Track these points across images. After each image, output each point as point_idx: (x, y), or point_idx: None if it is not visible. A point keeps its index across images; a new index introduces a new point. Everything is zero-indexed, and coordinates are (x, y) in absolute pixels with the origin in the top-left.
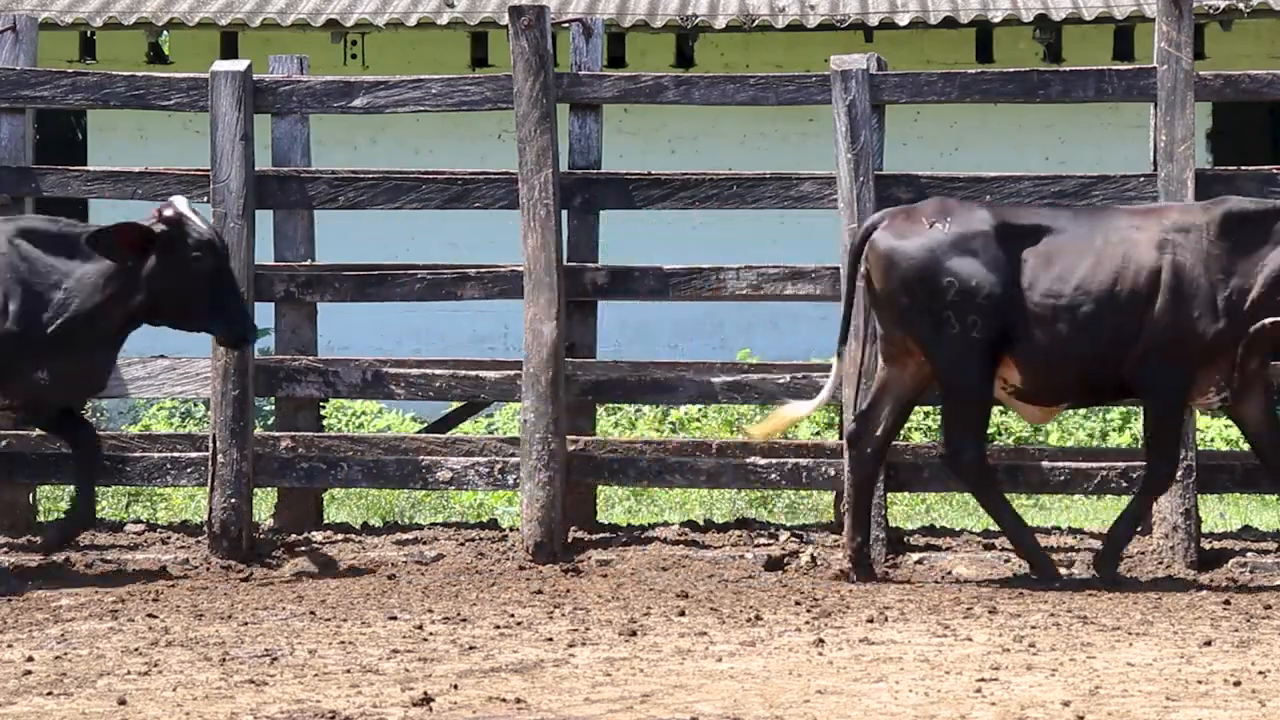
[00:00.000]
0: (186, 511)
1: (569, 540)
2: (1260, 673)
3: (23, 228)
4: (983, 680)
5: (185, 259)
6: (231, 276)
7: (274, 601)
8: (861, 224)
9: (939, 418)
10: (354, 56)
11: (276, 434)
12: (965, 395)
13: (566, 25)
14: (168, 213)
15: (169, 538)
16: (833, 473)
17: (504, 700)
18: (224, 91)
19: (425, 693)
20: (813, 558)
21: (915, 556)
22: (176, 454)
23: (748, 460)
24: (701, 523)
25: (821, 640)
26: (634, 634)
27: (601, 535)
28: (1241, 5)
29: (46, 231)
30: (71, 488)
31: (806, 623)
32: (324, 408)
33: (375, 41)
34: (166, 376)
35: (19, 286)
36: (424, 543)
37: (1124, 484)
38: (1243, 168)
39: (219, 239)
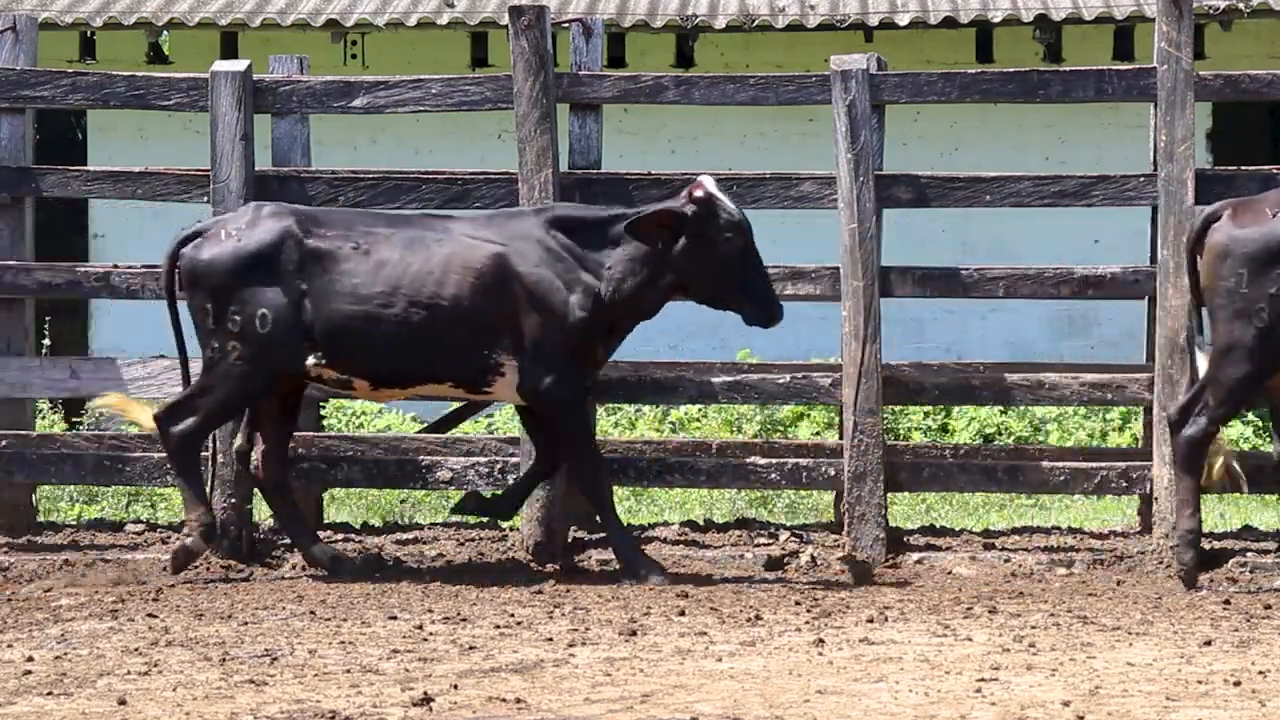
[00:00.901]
0: None
1: (569, 540)
2: (1260, 673)
3: (555, 218)
4: (983, 680)
5: (715, 240)
6: (758, 256)
7: (274, 601)
8: (1196, 221)
9: (940, 417)
10: (354, 56)
11: None
12: (1233, 384)
13: (566, 25)
14: (698, 194)
15: (169, 538)
16: (833, 473)
17: (504, 700)
18: (224, 91)
19: (425, 693)
20: (813, 558)
21: (915, 556)
22: None
23: (748, 460)
24: (701, 523)
25: (821, 640)
26: (634, 634)
27: (601, 535)
28: (1241, 5)
29: (579, 219)
30: (71, 488)
31: (806, 623)
32: (324, 408)
33: (375, 41)
34: (166, 376)
35: (567, 280)
36: (424, 543)
37: (1124, 484)
38: (1243, 168)
39: (746, 220)
